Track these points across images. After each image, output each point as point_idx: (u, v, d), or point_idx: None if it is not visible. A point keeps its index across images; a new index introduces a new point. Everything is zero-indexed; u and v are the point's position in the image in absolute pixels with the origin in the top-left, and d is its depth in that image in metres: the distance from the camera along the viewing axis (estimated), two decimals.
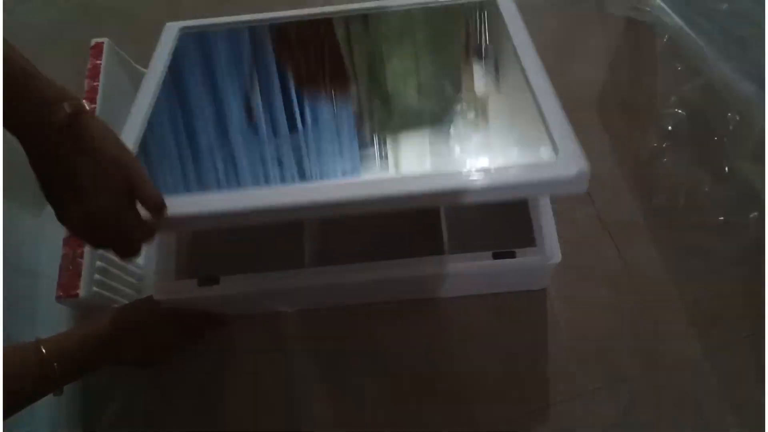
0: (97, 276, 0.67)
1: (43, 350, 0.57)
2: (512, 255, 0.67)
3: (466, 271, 0.68)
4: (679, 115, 0.76)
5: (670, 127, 0.76)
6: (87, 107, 0.49)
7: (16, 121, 0.46)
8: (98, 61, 0.78)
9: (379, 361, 0.74)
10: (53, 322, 0.74)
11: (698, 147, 0.76)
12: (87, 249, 0.67)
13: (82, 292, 0.65)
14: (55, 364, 0.57)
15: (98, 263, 0.68)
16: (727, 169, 0.74)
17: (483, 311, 0.76)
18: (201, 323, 0.75)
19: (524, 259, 0.67)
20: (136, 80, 0.89)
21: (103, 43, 0.80)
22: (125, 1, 1.13)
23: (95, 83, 0.75)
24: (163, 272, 0.70)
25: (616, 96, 0.90)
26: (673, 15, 0.74)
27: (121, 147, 0.50)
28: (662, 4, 0.75)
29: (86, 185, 0.48)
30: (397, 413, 0.71)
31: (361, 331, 0.76)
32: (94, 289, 0.67)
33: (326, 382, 0.73)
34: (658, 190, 0.79)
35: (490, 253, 0.67)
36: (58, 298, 0.65)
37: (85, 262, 0.66)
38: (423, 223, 0.77)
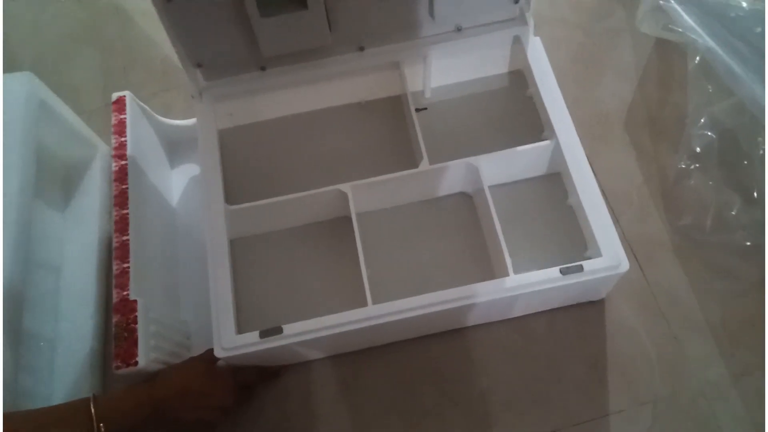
0: (152, 342, 0.65)
1: (93, 411, 0.56)
2: (580, 269, 0.66)
3: (534, 290, 0.67)
4: (708, 137, 0.75)
5: (698, 149, 0.76)
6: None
7: None
8: (122, 116, 0.77)
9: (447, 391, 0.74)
10: (75, 316, 0.75)
11: (727, 169, 0.76)
12: (141, 314, 0.65)
13: (141, 360, 0.62)
14: (102, 426, 0.56)
15: (151, 328, 0.66)
16: (756, 193, 0.73)
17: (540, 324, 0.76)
18: (256, 378, 0.74)
19: (593, 270, 0.66)
20: (160, 131, 0.89)
21: (125, 97, 0.80)
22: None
23: (123, 139, 0.75)
24: (223, 328, 0.66)
25: (644, 112, 0.90)
26: (705, 36, 0.74)
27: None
28: (694, 25, 0.74)
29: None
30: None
31: (424, 361, 0.76)
32: (152, 355, 0.64)
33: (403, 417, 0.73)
34: (685, 210, 0.79)
35: (556, 269, 0.66)
36: (117, 368, 0.62)
37: (140, 328, 0.63)
38: (475, 245, 0.78)
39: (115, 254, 0.66)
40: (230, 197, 0.77)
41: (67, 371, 0.72)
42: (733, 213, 0.75)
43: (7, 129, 0.65)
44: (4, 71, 0.74)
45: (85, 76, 1.02)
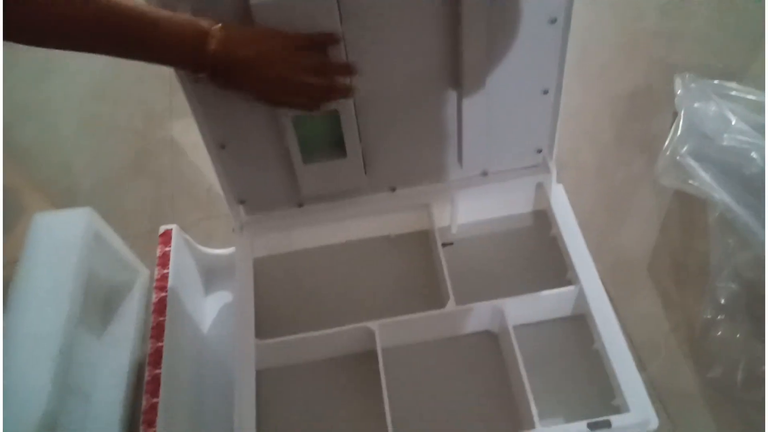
0: None
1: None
2: (608, 424, 0.65)
3: None
4: (732, 289, 0.76)
5: (723, 300, 0.76)
6: (220, 28, 0.55)
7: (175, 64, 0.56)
8: (167, 248, 0.82)
9: None
10: None
11: (755, 322, 0.76)
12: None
13: None
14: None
15: None
16: None
17: None
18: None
19: (621, 427, 0.65)
20: (200, 260, 0.92)
21: (171, 230, 0.84)
22: None
23: (165, 271, 0.79)
24: None
25: (668, 259, 0.92)
26: (723, 192, 0.77)
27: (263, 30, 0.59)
28: (711, 182, 0.78)
29: (260, 63, 0.57)
30: None
31: None
32: None
33: None
34: (714, 362, 0.78)
35: (584, 423, 0.65)
36: None
37: None
38: (500, 387, 0.78)
39: (146, 388, 0.68)
40: (260, 329, 0.79)
41: None
42: (765, 368, 0.74)
43: (63, 261, 0.70)
44: (66, 200, 0.80)
45: (136, 203, 1.10)
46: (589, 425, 0.65)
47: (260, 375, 0.79)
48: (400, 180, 0.88)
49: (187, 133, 1.20)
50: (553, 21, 0.70)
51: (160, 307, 0.73)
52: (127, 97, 1.29)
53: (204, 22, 0.56)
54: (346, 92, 0.67)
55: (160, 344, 0.70)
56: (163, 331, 0.71)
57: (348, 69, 0.66)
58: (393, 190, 0.88)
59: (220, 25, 0.57)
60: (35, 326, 0.65)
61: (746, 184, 0.77)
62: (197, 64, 0.57)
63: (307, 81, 0.62)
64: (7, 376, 0.63)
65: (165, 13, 0.54)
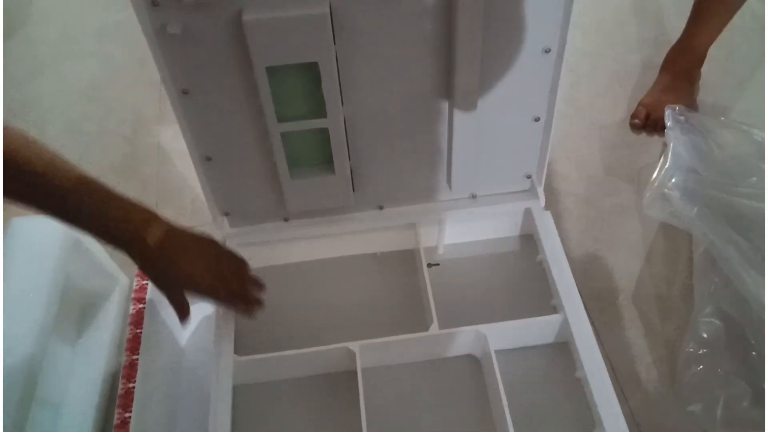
0: None
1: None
2: None
3: None
4: (715, 324, 0.76)
5: (705, 335, 0.76)
6: (163, 223, 0.60)
7: (113, 240, 0.58)
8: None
9: None
10: None
11: (736, 359, 0.76)
12: None
13: None
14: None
15: None
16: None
17: None
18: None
19: None
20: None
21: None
22: None
23: (144, 282, 0.77)
24: None
25: (652, 289, 0.92)
26: (707, 229, 0.77)
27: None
28: (695, 216, 0.78)
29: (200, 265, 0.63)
30: None
31: None
32: None
33: None
34: (695, 397, 0.77)
35: None
36: None
37: None
38: (479, 413, 0.76)
39: (118, 402, 0.66)
40: (239, 344, 0.78)
41: None
42: (745, 404, 0.74)
43: (39, 267, 0.68)
44: None
45: None
46: None
47: (237, 390, 0.77)
48: (388, 199, 0.87)
49: (174, 141, 1.18)
50: (547, 51, 0.70)
51: (137, 319, 0.72)
52: (117, 102, 1.27)
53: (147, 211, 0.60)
54: (256, 303, 0.74)
55: (135, 357, 0.68)
56: (139, 344, 0.69)
57: (259, 284, 0.75)
58: (380, 208, 0.88)
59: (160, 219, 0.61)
60: (5, 334, 0.63)
61: (731, 221, 0.78)
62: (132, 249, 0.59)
63: (230, 288, 0.70)
64: None
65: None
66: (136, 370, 0.67)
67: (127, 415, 0.64)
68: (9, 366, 0.62)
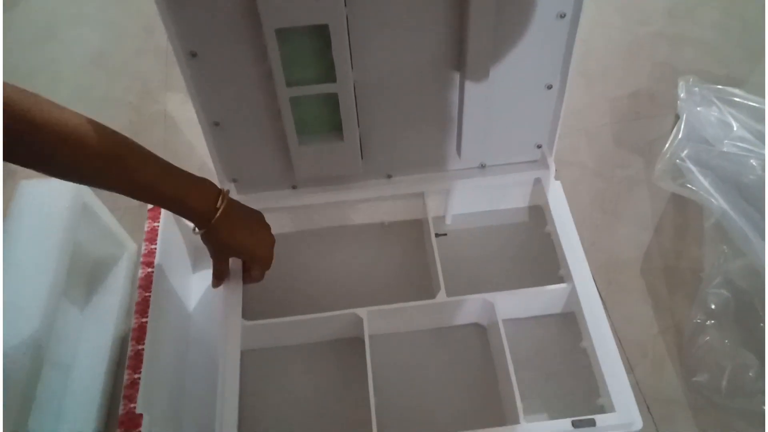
0: None
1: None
2: (592, 423, 0.65)
3: None
4: (723, 295, 0.76)
5: (713, 306, 0.76)
6: (226, 197, 0.67)
7: (188, 213, 0.65)
8: (156, 224, 0.81)
9: None
10: (77, 419, 0.74)
11: (744, 329, 0.76)
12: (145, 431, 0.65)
13: None
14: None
15: None
16: None
17: None
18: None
19: (606, 426, 0.65)
20: (189, 238, 0.91)
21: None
22: None
23: (153, 246, 0.78)
24: None
25: (660, 261, 0.92)
26: (720, 198, 0.77)
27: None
28: (709, 187, 0.77)
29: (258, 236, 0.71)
30: None
31: None
32: None
33: None
34: (701, 367, 0.78)
35: (568, 421, 0.65)
36: None
37: None
38: (485, 380, 0.77)
39: (128, 363, 0.67)
40: (247, 309, 0.78)
41: None
42: (751, 375, 0.74)
43: (48, 231, 0.68)
44: None
45: None
46: (574, 423, 0.65)
47: (245, 355, 0.78)
48: (397, 167, 0.87)
49: (181, 108, 1.18)
50: (563, 16, 0.69)
51: (146, 282, 0.72)
52: (124, 69, 1.26)
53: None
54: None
55: (144, 320, 0.69)
56: (148, 307, 0.70)
57: None
58: (389, 177, 0.87)
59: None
60: (16, 296, 0.63)
61: (744, 192, 0.77)
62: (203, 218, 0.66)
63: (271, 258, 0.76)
64: None
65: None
66: (146, 332, 0.68)
67: (136, 375, 0.65)
68: (20, 327, 0.62)
